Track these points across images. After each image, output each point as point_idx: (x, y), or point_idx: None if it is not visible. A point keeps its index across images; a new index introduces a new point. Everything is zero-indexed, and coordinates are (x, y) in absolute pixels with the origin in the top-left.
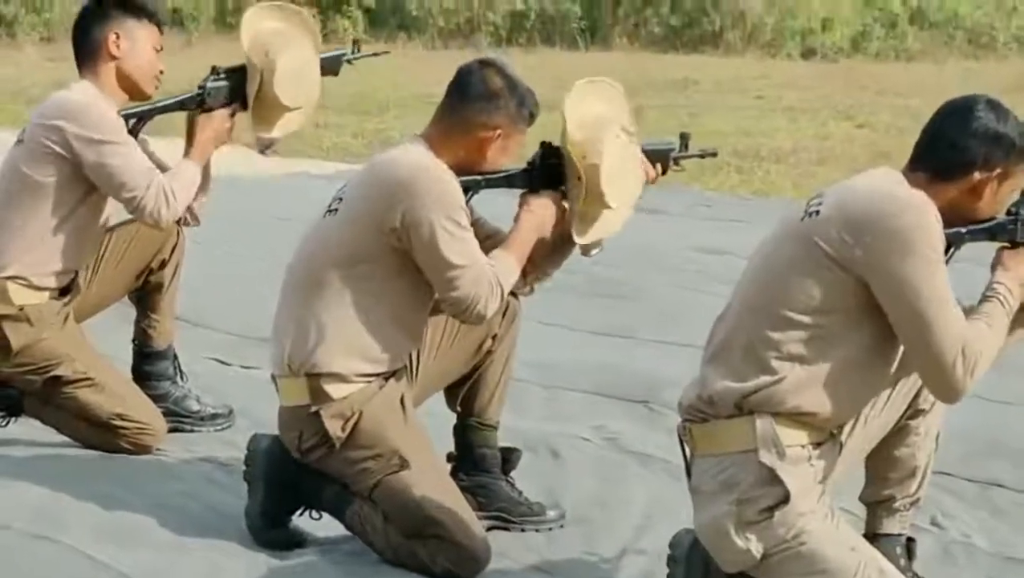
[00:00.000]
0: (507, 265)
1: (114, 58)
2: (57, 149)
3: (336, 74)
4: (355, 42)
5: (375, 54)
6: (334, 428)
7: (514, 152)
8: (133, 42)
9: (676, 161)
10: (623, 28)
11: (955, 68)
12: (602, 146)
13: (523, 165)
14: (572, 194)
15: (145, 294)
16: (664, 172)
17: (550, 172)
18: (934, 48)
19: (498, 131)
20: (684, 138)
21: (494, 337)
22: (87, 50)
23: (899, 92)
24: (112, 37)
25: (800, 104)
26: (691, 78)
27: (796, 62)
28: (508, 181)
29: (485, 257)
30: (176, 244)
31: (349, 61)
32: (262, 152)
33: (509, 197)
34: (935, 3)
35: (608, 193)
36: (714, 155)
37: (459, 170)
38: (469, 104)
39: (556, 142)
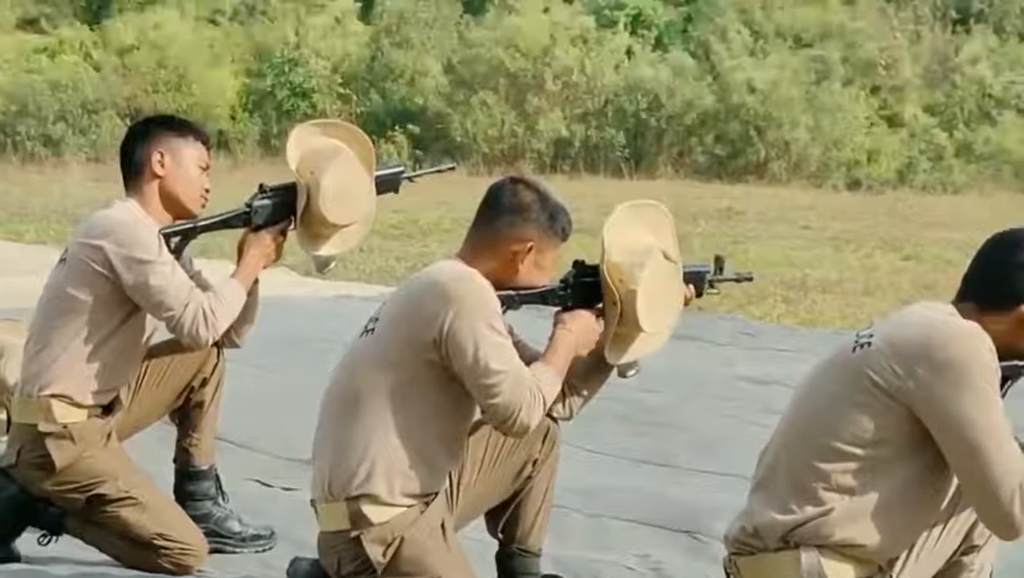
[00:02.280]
0: (547, 376)
1: (158, 177)
2: (99, 268)
3: (396, 191)
4: (417, 159)
5: (439, 170)
6: (375, 554)
7: (549, 269)
8: (178, 161)
9: (711, 284)
10: (667, 156)
11: (1002, 201)
12: (641, 271)
13: (558, 282)
14: (608, 316)
15: (186, 413)
16: (699, 295)
17: (585, 290)
18: (981, 181)
19: (530, 244)
20: (719, 261)
21: (535, 462)
22: (132, 169)
23: (945, 225)
24: (156, 156)
25: (846, 235)
26: (735, 208)
27: (841, 193)
28: (543, 298)
29: (526, 366)
30: (217, 363)
31: (410, 179)
32: (320, 271)
33: (546, 321)
34: (982, 137)
35: (644, 318)
36: (749, 279)
37: (493, 285)
38: (500, 217)
39: (591, 261)
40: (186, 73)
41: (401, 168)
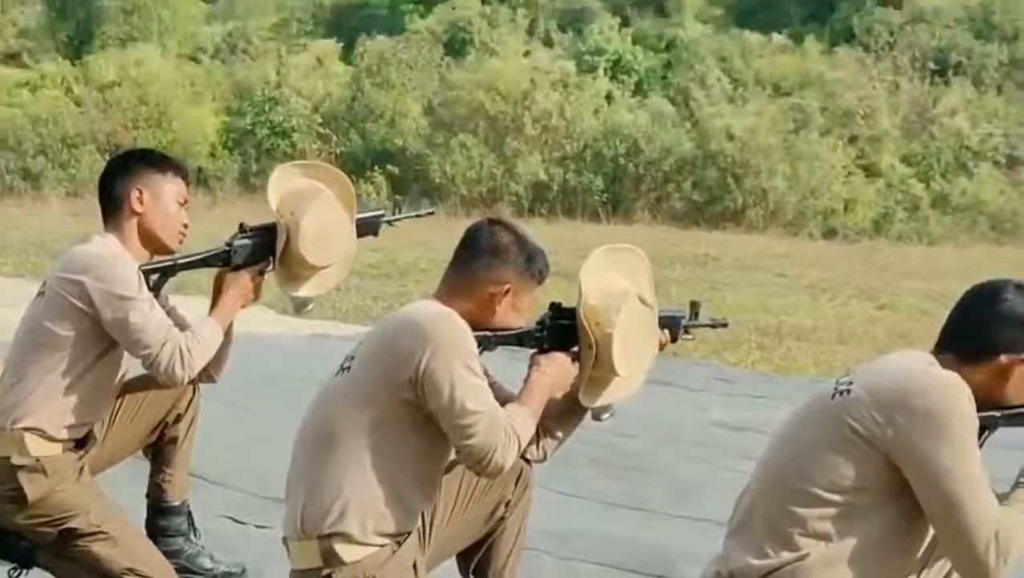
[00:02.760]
0: (522, 417)
1: (137, 214)
2: (77, 303)
3: (376, 235)
4: (396, 203)
5: (418, 214)
6: None
7: (525, 311)
8: (157, 197)
9: (687, 329)
10: (645, 202)
11: (978, 252)
12: (617, 315)
13: (534, 324)
14: (583, 359)
15: (160, 448)
16: (674, 340)
17: (561, 332)
18: (956, 232)
19: (507, 286)
20: (695, 306)
21: (507, 504)
22: (111, 205)
23: (921, 275)
24: (135, 192)
25: (822, 283)
26: (712, 254)
27: (818, 242)
28: (519, 339)
29: (501, 408)
30: (192, 399)
31: (390, 223)
32: (297, 312)
33: (521, 363)
34: (958, 188)
35: (619, 362)
36: (725, 325)
37: (470, 326)
38: (477, 259)
39: (567, 303)
40: (166, 110)
41: (381, 212)
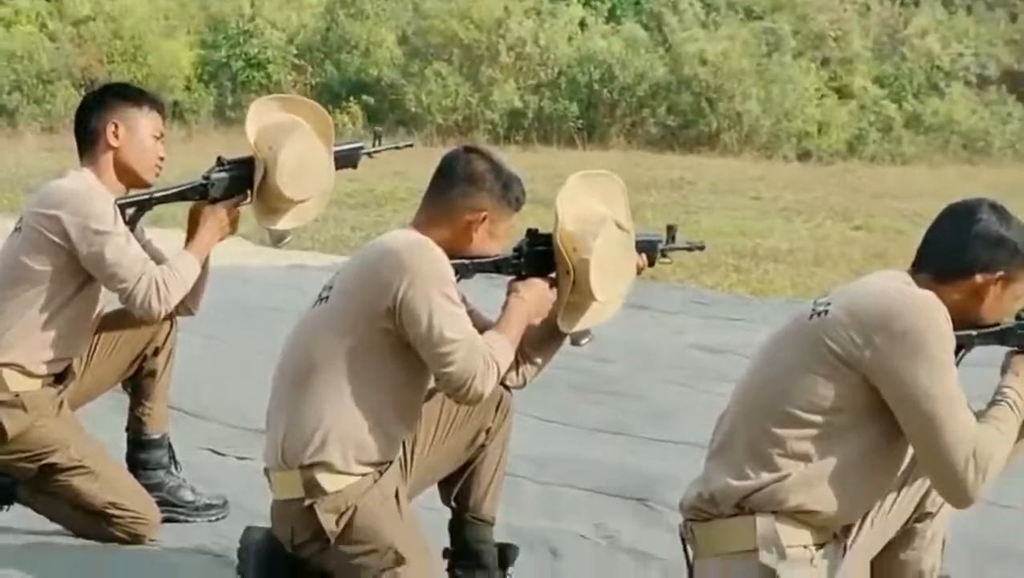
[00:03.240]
0: (501, 344)
1: (113, 148)
2: (54, 238)
3: (355, 167)
4: (376, 134)
5: (397, 147)
6: (328, 523)
7: (502, 238)
8: (133, 131)
9: (664, 253)
10: (620, 128)
11: (951, 172)
12: (594, 240)
13: (511, 252)
14: (561, 285)
15: (139, 382)
16: (651, 264)
17: (539, 259)
18: (929, 152)
19: (483, 213)
20: (671, 230)
21: (487, 431)
22: (87, 139)
23: (895, 195)
24: (111, 127)
25: (796, 205)
26: (687, 178)
27: (792, 164)
28: (496, 267)
29: (479, 334)
30: (169, 332)
31: (369, 155)
32: (275, 245)
33: (499, 290)
34: (930, 108)
35: (597, 287)
36: (701, 248)
37: (447, 254)
38: (453, 187)
39: (544, 230)
40: (141, 44)
41: (360, 144)
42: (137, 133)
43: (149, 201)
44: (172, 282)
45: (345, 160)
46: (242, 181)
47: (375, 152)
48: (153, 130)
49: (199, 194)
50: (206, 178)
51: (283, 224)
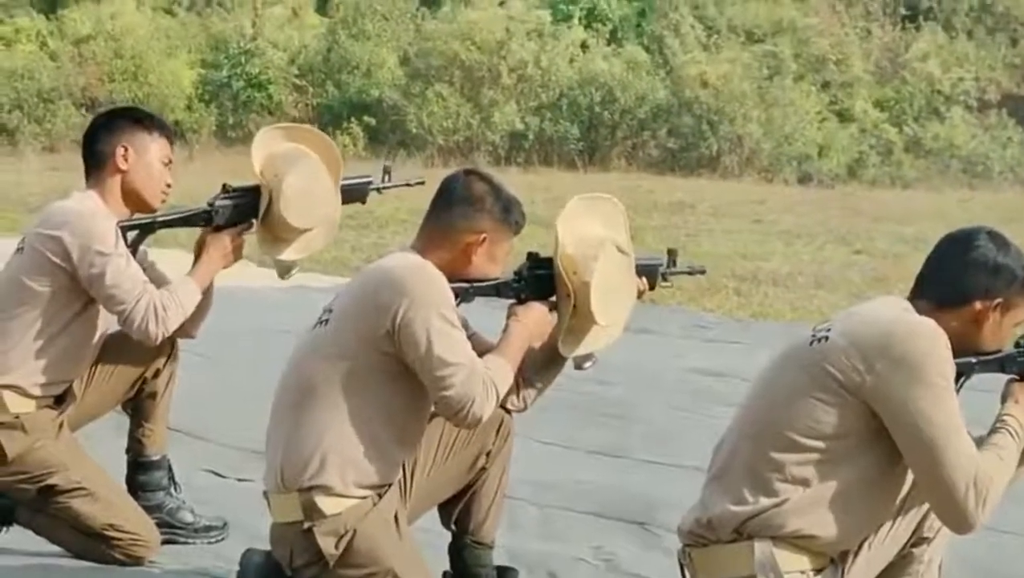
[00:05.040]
0: (500, 368)
1: (121, 171)
2: (55, 259)
3: (363, 201)
4: (386, 169)
5: (408, 184)
6: (327, 546)
7: (502, 260)
8: (141, 155)
9: (664, 277)
10: (621, 150)
11: (950, 196)
12: (595, 264)
13: (512, 275)
14: (561, 308)
15: (139, 403)
16: (652, 288)
17: (539, 282)
18: (929, 176)
19: (483, 235)
20: (672, 254)
21: (488, 454)
22: (94, 161)
23: (895, 219)
24: (120, 150)
25: (797, 229)
26: (688, 201)
27: (793, 187)
28: (496, 290)
29: (479, 358)
30: (171, 354)
31: (378, 190)
32: (281, 276)
33: (499, 313)
34: (931, 132)
35: (598, 311)
36: (703, 272)
37: (447, 277)
38: (453, 209)
39: (544, 253)
40: (142, 63)
41: (369, 179)
42: (145, 157)
43: (152, 225)
44: (171, 306)
45: (353, 193)
46: (247, 209)
47: (384, 188)
48: (162, 156)
49: (203, 220)
50: (210, 205)
51: (288, 254)
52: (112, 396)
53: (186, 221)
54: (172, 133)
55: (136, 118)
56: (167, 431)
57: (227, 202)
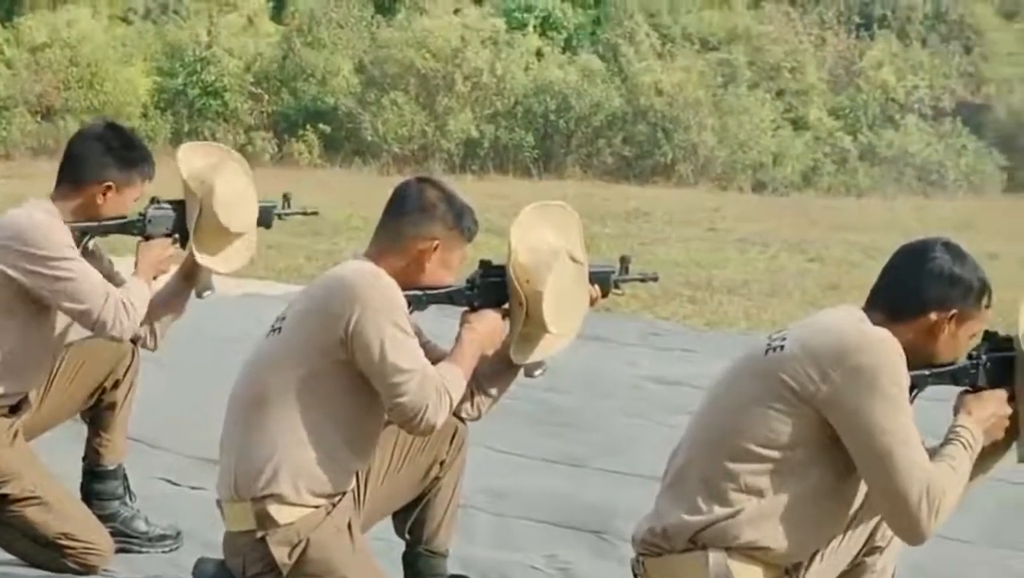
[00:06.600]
0: (454, 375)
1: (96, 204)
2: (8, 269)
3: (268, 227)
4: (285, 196)
5: (304, 213)
6: (281, 555)
7: (455, 268)
8: (120, 195)
9: (617, 284)
10: (576, 158)
11: (905, 204)
12: (548, 272)
13: (465, 282)
14: (514, 316)
15: (98, 413)
16: (605, 295)
17: (492, 290)
18: (884, 184)
19: (436, 242)
20: (625, 261)
21: (442, 463)
22: (73, 177)
23: (850, 227)
24: (104, 186)
25: (751, 237)
26: (642, 209)
27: (747, 195)
28: (449, 297)
29: (432, 365)
30: (131, 364)
31: (280, 216)
32: (199, 296)
33: (452, 320)
34: (885, 140)
35: (550, 319)
36: (655, 279)
37: (400, 284)
38: (406, 216)
39: (498, 261)
40: (98, 71)
41: (273, 204)
42: (122, 197)
43: (94, 229)
44: (136, 299)
45: (262, 215)
46: (179, 220)
47: (285, 215)
48: (137, 195)
49: (137, 230)
50: (142, 215)
51: (220, 265)
52: (70, 405)
53: (122, 228)
54: (153, 175)
55: (133, 161)
56: (126, 442)
57: (159, 213)
